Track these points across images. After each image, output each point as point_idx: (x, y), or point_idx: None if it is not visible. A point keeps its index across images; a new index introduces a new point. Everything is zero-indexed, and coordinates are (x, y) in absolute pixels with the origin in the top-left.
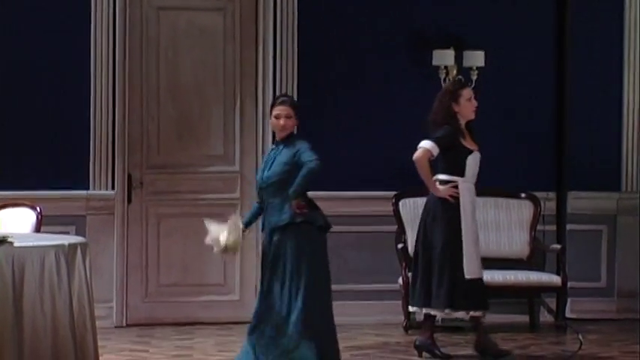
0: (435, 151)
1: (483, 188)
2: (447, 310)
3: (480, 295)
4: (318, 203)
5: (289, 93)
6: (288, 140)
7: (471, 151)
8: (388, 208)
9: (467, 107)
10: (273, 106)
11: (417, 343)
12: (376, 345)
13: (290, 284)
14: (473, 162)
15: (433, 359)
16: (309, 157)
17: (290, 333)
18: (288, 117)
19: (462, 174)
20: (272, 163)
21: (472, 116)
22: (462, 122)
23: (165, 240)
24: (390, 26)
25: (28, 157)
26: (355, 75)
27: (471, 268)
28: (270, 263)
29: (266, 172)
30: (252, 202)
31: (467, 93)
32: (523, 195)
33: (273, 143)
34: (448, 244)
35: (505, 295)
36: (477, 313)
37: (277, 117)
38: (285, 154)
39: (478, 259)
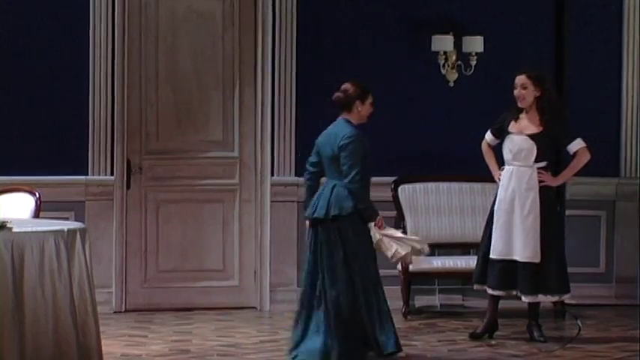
0: (490, 137)
1: (482, 175)
2: (475, 286)
3: (498, 274)
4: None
5: (288, 79)
6: None
7: (510, 134)
8: (387, 194)
9: (514, 94)
10: (368, 93)
11: None
12: None
13: None
14: (509, 144)
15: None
16: None
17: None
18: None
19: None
20: None
21: (519, 103)
22: (521, 106)
23: (164, 225)
24: (388, 12)
25: (27, 143)
26: (354, 60)
27: (494, 248)
28: None
29: None
30: (250, 186)
31: (516, 79)
32: None
33: (354, 127)
34: (485, 225)
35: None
36: (494, 292)
37: (372, 103)
38: None
39: (505, 240)
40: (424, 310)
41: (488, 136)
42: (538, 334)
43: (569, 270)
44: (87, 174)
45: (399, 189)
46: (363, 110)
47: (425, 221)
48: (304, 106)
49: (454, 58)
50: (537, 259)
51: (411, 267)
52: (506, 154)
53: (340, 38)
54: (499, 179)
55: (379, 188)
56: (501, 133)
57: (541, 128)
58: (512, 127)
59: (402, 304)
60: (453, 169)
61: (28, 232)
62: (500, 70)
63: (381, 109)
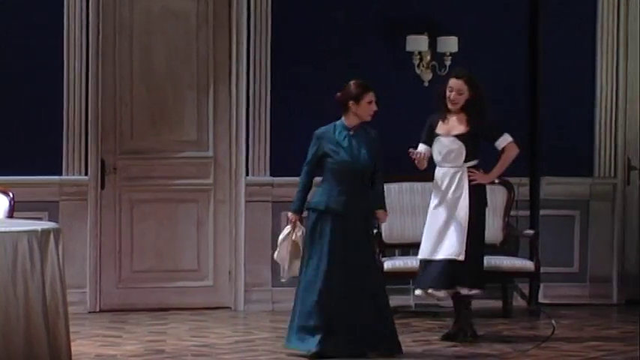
0: (423, 148)
1: None
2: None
3: (424, 274)
4: (294, 188)
5: (262, 78)
6: (362, 125)
7: (438, 136)
8: None
9: (448, 96)
10: (365, 92)
11: None
12: None
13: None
14: (438, 146)
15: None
16: (382, 168)
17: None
18: (376, 103)
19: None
20: (358, 148)
21: (449, 106)
22: (451, 109)
23: (138, 226)
24: (364, 12)
25: (1, 143)
26: (329, 60)
27: (422, 249)
28: (356, 245)
29: (357, 158)
30: (225, 186)
31: (450, 82)
32: (496, 180)
33: (340, 127)
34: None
35: (484, 280)
36: (418, 292)
37: (370, 102)
38: (367, 144)
39: (432, 240)
40: (399, 310)
41: (421, 147)
42: (469, 333)
43: (543, 269)
44: (61, 174)
45: None
46: (359, 110)
47: (400, 221)
48: (279, 106)
49: (429, 58)
50: (461, 257)
51: (385, 266)
52: (436, 156)
53: (315, 38)
54: (415, 156)
55: None
56: (432, 140)
57: (467, 128)
58: (440, 128)
59: None
60: (428, 169)
61: (1, 232)
62: (475, 70)
63: None
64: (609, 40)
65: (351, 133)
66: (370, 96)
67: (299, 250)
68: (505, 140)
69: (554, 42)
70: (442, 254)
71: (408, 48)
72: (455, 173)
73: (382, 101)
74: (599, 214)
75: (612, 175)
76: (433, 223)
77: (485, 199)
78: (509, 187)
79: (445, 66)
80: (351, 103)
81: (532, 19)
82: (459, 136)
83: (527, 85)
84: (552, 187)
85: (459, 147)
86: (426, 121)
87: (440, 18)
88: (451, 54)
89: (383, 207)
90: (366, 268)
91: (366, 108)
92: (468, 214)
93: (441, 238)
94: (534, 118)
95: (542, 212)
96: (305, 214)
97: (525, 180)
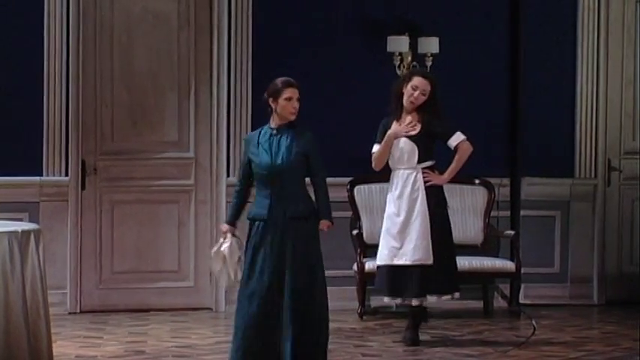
0: (375, 144)
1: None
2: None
3: (385, 281)
4: None
5: (243, 80)
6: (291, 125)
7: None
8: (343, 194)
9: (406, 93)
10: (280, 90)
11: None
12: (331, 331)
13: (300, 272)
14: (392, 148)
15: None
16: (321, 171)
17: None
18: (298, 100)
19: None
20: (278, 148)
21: (406, 104)
22: (408, 107)
23: (119, 226)
24: (344, 12)
25: None
26: (310, 61)
27: (380, 255)
28: (281, 252)
29: (276, 158)
30: (205, 187)
31: (416, 80)
32: (477, 181)
33: (266, 128)
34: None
35: (459, 281)
36: (386, 300)
37: (289, 99)
38: (295, 143)
39: (391, 245)
40: (380, 311)
41: (376, 149)
42: (410, 336)
43: (524, 270)
44: (41, 174)
45: (355, 189)
46: (278, 108)
47: (381, 222)
48: (259, 107)
49: (410, 59)
50: (430, 261)
51: (366, 267)
52: (390, 159)
53: (296, 39)
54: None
55: (335, 189)
56: None
57: (420, 129)
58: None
59: (357, 304)
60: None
61: None
62: (456, 71)
63: (337, 109)
64: (590, 41)
65: (275, 132)
66: (289, 92)
67: (226, 262)
68: (458, 139)
69: (535, 43)
70: (408, 259)
71: (389, 49)
72: (409, 175)
73: (363, 102)
74: (579, 215)
75: (593, 175)
76: (391, 227)
77: (444, 199)
78: (489, 188)
79: (426, 67)
80: (270, 100)
81: (513, 20)
82: (411, 137)
83: (508, 85)
84: (533, 187)
85: (412, 148)
86: (380, 123)
87: (421, 19)
88: (432, 55)
89: (325, 217)
90: (304, 284)
91: (284, 105)
92: (427, 216)
93: (403, 243)
94: (515, 118)
95: (522, 213)
96: None
97: (506, 181)
